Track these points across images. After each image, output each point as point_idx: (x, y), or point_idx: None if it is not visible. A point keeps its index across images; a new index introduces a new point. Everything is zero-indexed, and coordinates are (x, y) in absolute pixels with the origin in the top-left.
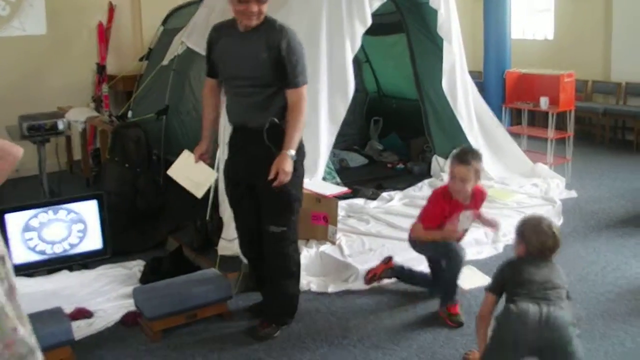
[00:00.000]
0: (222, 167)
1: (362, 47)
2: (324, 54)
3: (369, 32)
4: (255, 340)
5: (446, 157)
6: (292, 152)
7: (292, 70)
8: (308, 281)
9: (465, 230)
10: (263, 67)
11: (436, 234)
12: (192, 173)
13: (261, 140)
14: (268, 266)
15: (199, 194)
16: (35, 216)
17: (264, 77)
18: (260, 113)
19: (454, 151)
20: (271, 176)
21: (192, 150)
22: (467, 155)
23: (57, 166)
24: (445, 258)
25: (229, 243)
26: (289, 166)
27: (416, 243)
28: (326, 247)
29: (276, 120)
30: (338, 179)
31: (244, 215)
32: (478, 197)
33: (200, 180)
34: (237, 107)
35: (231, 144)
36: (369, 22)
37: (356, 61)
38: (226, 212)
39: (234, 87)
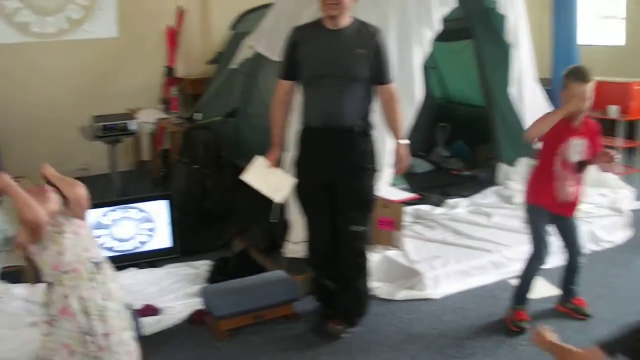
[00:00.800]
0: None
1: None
2: (393, 59)
3: (436, 37)
4: (322, 337)
5: (512, 165)
6: (407, 140)
7: (386, 66)
8: (375, 286)
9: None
10: (357, 62)
11: (557, 111)
12: (267, 178)
13: (350, 139)
14: (345, 265)
15: (279, 198)
16: (107, 214)
17: (357, 73)
18: (350, 110)
19: (566, 70)
20: (394, 165)
21: (261, 154)
22: (584, 73)
23: (126, 166)
24: (530, 249)
25: (296, 245)
26: (408, 154)
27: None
28: (392, 253)
29: (365, 120)
30: (406, 185)
31: (321, 216)
32: (592, 126)
33: (277, 185)
34: (323, 106)
35: (309, 145)
36: (438, 27)
37: (423, 67)
38: (293, 215)
39: (321, 86)
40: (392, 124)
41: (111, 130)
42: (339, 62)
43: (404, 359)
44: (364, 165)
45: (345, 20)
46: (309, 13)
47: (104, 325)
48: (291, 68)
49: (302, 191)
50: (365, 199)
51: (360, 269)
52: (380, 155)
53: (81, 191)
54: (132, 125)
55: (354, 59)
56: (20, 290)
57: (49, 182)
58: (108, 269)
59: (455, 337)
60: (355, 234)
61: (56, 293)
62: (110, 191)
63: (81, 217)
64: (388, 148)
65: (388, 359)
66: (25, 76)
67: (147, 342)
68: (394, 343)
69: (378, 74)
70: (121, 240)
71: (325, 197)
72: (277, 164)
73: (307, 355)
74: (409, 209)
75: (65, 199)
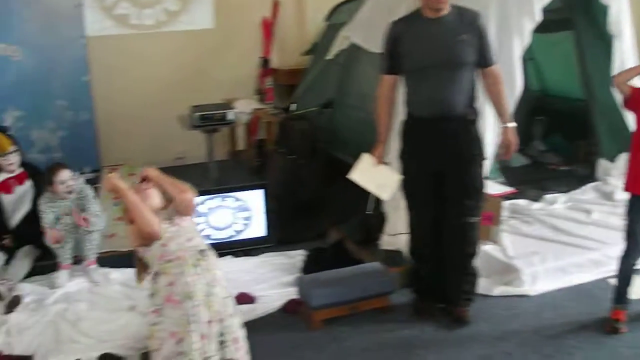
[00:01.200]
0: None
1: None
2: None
3: (535, 28)
4: (462, 325)
5: (613, 160)
6: (514, 123)
7: (489, 49)
8: None
9: None
10: (463, 47)
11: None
12: (374, 176)
13: (460, 126)
14: (458, 254)
15: (386, 196)
16: (204, 202)
17: (463, 59)
18: (458, 97)
19: None
20: (501, 150)
21: (356, 145)
22: None
23: (222, 155)
24: (623, 246)
25: (392, 238)
26: (516, 137)
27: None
28: (489, 247)
29: (472, 107)
30: (503, 178)
31: (427, 208)
32: None
33: (384, 182)
34: (431, 96)
35: (417, 136)
36: (539, 18)
37: (521, 59)
38: (389, 207)
39: (428, 76)
40: (499, 107)
41: (209, 119)
42: (445, 50)
43: (499, 356)
44: (474, 153)
45: (445, 8)
46: (407, 4)
47: (209, 312)
48: (394, 62)
49: (409, 183)
50: (477, 189)
51: (472, 257)
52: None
53: (190, 197)
54: (230, 115)
55: (459, 45)
56: (117, 275)
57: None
58: (212, 256)
59: (552, 335)
60: (469, 225)
61: (161, 282)
62: (206, 180)
63: (186, 215)
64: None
65: (482, 356)
66: (125, 67)
67: None
68: (489, 339)
69: (482, 57)
70: (217, 229)
71: (432, 188)
72: (382, 160)
73: (400, 348)
74: (506, 203)
75: (168, 200)
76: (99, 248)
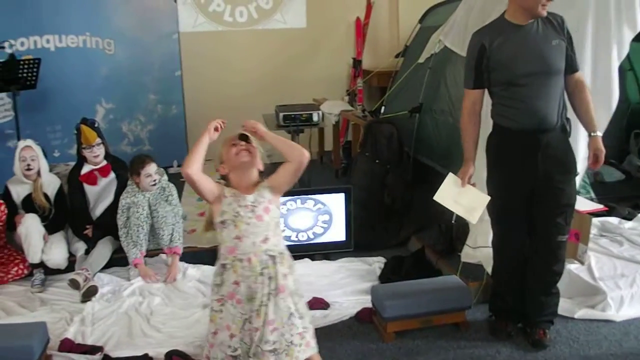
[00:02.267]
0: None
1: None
2: (589, 61)
3: (634, 37)
4: (540, 348)
5: None
6: (600, 133)
7: (574, 53)
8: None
9: None
10: (556, 54)
11: None
12: (461, 198)
13: (556, 139)
14: (545, 274)
15: (473, 219)
16: (284, 203)
17: (558, 65)
18: (552, 107)
19: None
20: (590, 160)
21: (444, 151)
22: None
23: (310, 156)
24: None
25: (473, 250)
26: (603, 148)
27: None
28: (574, 267)
29: (567, 118)
30: (592, 194)
31: (520, 229)
32: None
33: (472, 205)
34: (528, 107)
35: (511, 150)
36: None
37: (619, 69)
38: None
39: (523, 86)
40: (586, 115)
41: (294, 120)
42: (541, 56)
43: None
44: (570, 167)
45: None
46: (501, 9)
47: (259, 320)
48: (480, 75)
49: (499, 201)
50: (570, 206)
51: (557, 278)
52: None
53: (306, 156)
54: (316, 116)
55: (552, 51)
56: (193, 271)
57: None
58: (284, 261)
59: None
60: (560, 244)
61: (228, 278)
62: None
63: (281, 190)
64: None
65: None
66: (215, 64)
67: None
68: None
69: (570, 63)
70: (296, 231)
71: (524, 207)
72: (470, 180)
73: None
74: (596, 220)
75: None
76: (176, 240)
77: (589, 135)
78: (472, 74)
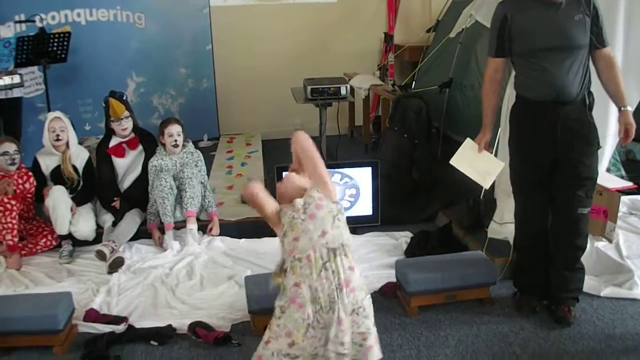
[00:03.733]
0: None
1: None
2: (620, 37)
3: None
4: (564, 325)
5: None
6: (630, 107)
7: (603, 28)
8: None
9: None
10: (578, 29)
11: None
12: (476, 163)
13: (577, 111)
14: (567, 248)
15: (486, 184)
16: None
17: (580, 41)
18: (574, 81)
19: None
20: (621, 135)
21: (475, 128)
22: None
23: (337, 130)
24: None
25: (500, 226)
26: (634, 123)
27: None
28: (602, 244)
29: (589, 90)
30: (623, 172)
31: (540, 199)
32: None
33: (486, 170)
34: (547, 79)
35: (531, 121)
36: None
37: None
38: (500, 194)
39: (543, 59)
40: (615, 90)
41: (322, 93)
42: (561, 31)
43: None
44: (590, 139)
45: None
46: None
47: (331, 316)
48: (503, 44)
49: (519, 171)
50: (591, 179)
51: (581, 252)
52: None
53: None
54: (344, 89)
55: (574, 26)
56: (219, 243)
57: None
58: (346, 254)
59: None
60: (581, 217)
61: (289, 281)
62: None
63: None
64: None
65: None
66: (246, 38)
67: None
68: (592, 343)
69: (597, 39)
70: None
71: (543, 178)
72: (490, 146)
73: (495, 344)
74: (625, 198)
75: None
76: (209, 206)
77: (619, 110)
78: (494, 42)
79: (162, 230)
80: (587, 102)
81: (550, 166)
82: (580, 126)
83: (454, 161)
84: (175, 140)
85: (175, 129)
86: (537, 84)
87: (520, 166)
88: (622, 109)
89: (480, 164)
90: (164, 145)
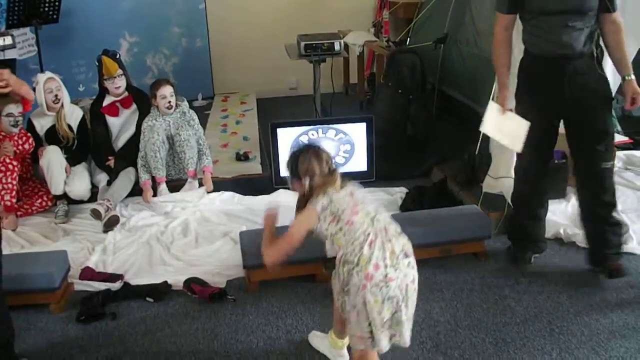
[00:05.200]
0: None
1: None
2: None
3: None
4: (620, 276)
5: None
6: (633, 76)
7: None
8: (573, 232)
9: None
10: None
11: None
12: (504, 125)
13: (588, 65)
14: (597, 204)
15: (518, 147)
16: (305, 133)
17: (590, 4)
18: (580, 39)
19: None
20: (627, 104)
21: (468, 82)
22: None
23: (331, 87)
24: None
25: (495, 181)
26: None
27: None
28: None
29: (598, 47)
30: (619, 127)
31: (544, 156)
32: None
33: (514, 132)
34: (555, 40)
35: (541, 76)
36: None
37: None
38: (495, 149)
39: (552, 21)
40: (621, 56)
41: (315, 49)
42: None
43: (594, 314)
44: (602, 93)
45: None
46: None
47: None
48: (514, 1)
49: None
50: (609, 133)
51: (613, 206)
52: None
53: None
54: (337, 45)
55: None
56: (214, 199)
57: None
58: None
59: None
60: (604, 172)
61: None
62: (313, 111)
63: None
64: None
65: (578, 312)
66: None
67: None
68: (586, 296)
69: (609, 2)
70: None
71: (549, 134)
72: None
73: (490, 297)
74: (620, 153)
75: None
76: (204, 161)
77: (623, 80)
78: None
79: (155, 189)
80: (595, 55)
81: (564, 123)
82: (589, 80)
83: (484, 128)
84: (169, 102)
85: (167, 90)
86: (543, 40)
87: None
88: (627, 77)
89: (507, 125)
90: (156, 107)
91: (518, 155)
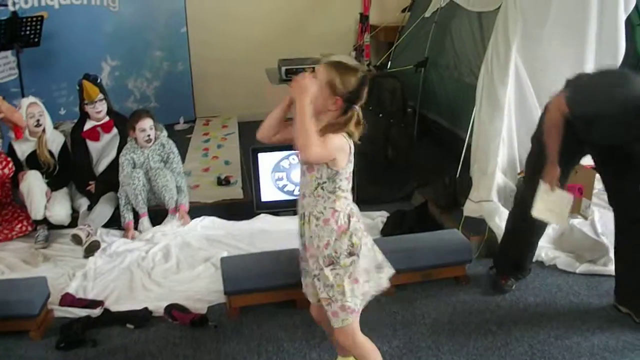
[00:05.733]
0: None
1: (637, 7)
2: (594, 10)
3: None
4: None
5: None
6: None
7: None
8: (554, 256)
9: None
10: None
11: None
12: (552, 204)
13: None
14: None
15: (566, 223)
16: (286, 157)
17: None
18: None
19: None
20: None
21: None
22: None
23: None
24: None
25: (475, 205)
26: None
27: None
28: (578, 221)
29: None
30: None
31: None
32: None
33: (561, 209)
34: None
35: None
36: None
37: (629, 22)
38: (475, 173)
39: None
40: None
41: (297, 74)
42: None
43: (577, 339)
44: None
45: None
46: None
47: None
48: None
49: (536, 163)
50: None
51: None
52: None
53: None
54: None
55: None
56: (195, 225)
57: None
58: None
59: (634, 324)
60: None
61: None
62: None
63: None
64: None
65: (559, 336)
66: (222, 19)
67: None
68: (568, 320)
69: None
70: (298, 185)
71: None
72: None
73: (471, 321)
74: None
75: None
76: (182, 199)
77: None
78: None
79: (136, 221)
80: None
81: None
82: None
83: (536, 213)
84: (149, 135)
85: (147, 124)
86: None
87: (538, 158)
88: None
89: (554, 203)
90: (134, 139)
91: (525, 185)
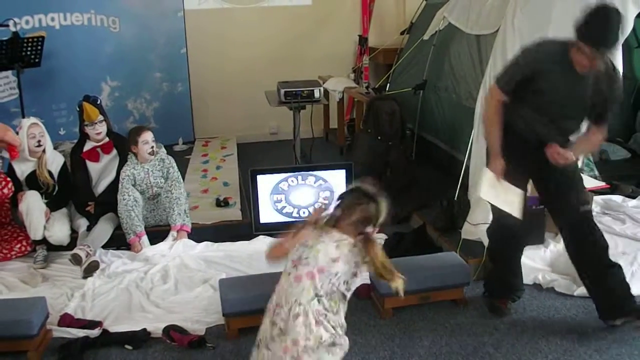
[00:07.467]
0: None
1: (634, 30)
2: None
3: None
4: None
5: None
6: None
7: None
8: (551, 279)
9: None
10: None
11: None
12: (500, 192)
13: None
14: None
15: (520, 214)
16: (285, 180)
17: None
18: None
19: None
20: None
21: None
22: None
23: (311, 133)
24: None
25: (473, 227)
26: None
27: None
28: None
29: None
30: (596, 172)
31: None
32: None
33: (511, 199)
34: (540, 131)
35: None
36: None
37: (626, 45)
38: (474, 196)
39: (546, 119)
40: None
41: (295, 96)
42: (580, 110)
43: (569, 359)
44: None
45: None
46: None
47: None
48: (516, 86)
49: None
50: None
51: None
52: None
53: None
54: (317, 92)
55: (589, 105)
56: (194, 247)
57: None
58: None
59: (633, 345)
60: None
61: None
62: (292, 157)
63: None
64: None
65: (557, 358)
66: (221, 41)
67: None
68: (565, 342)
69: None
70: (297, 207)
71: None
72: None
73: (469, 344)
74: (598, 198)
75: None
76: (184, 216)
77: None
78: (512, 82)
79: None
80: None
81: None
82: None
83: (483, 195)
84: (152, 147)
85: (149, 136)
86: (527, 128)
87: (508, 175)
88: None
89: (503, 193)
90: (135, 154)
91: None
